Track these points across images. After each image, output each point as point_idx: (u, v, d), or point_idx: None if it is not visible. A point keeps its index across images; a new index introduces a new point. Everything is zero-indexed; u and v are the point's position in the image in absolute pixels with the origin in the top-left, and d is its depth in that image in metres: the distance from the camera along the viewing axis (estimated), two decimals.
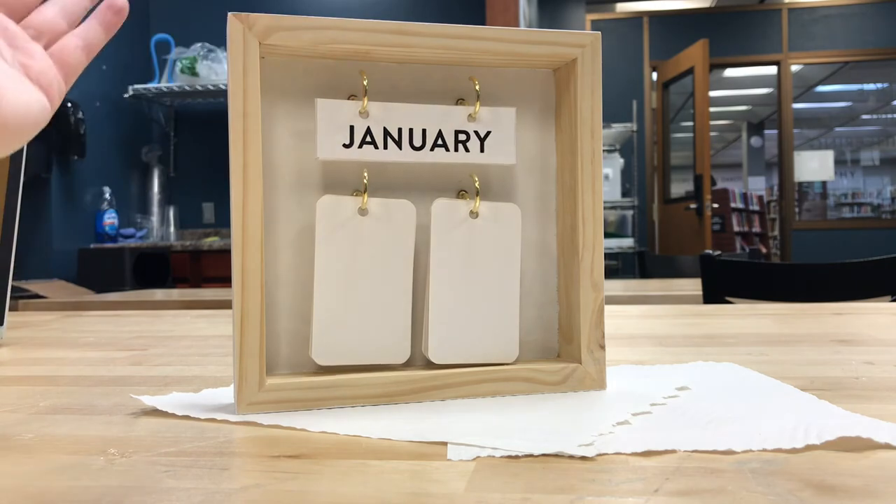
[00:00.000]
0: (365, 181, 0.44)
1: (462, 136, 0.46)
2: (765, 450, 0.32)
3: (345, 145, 0.44)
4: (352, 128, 0.44)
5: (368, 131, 0.44)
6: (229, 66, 0.41)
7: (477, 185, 0.46)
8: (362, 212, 0.44)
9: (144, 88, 3.98)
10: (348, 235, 0.44)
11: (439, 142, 0.45)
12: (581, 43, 0.46)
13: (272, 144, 0.44)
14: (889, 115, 9.30)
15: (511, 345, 0.46)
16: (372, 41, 0.43)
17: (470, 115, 0.46)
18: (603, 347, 0.47)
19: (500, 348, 0.46)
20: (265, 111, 0.44)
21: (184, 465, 0.32)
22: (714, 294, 1.55)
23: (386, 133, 0.44)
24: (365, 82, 0.44)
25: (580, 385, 0.46)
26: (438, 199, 0.45)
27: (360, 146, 0.44)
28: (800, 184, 6.91)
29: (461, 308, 0.45)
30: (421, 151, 0.45)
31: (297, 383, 0.42)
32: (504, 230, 0.46)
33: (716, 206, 7.19)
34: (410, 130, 0.45)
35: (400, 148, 0.45)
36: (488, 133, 0.46)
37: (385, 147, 0.44)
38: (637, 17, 6.36)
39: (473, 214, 0.45)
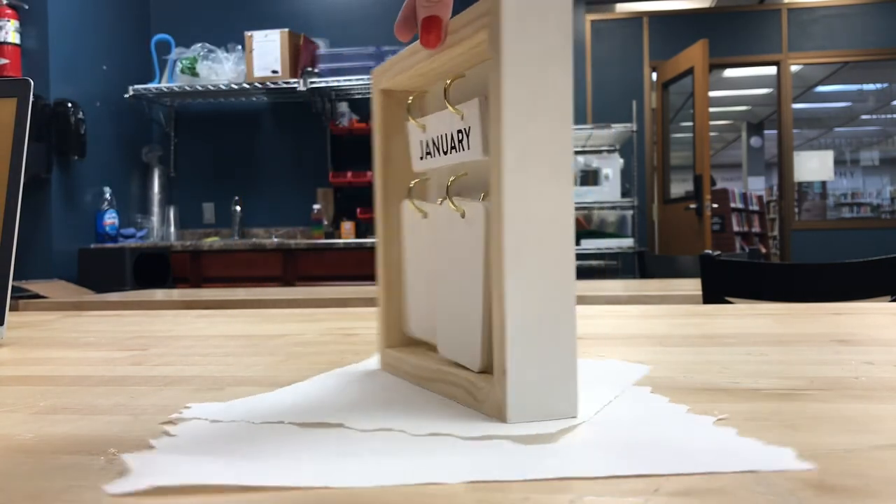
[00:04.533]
0: (411, 186, 0.52)
1: (459, 136, 0.45)
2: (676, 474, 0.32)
3: (420, 158, 0.51)
4: (421, 143, 0.50)
5: (425, 144, 0.50)
6: (376, 112, 0.54)
7: (449, 183, 0.46)
8: (423, 214, 0.50)
9: (144, 88, 3.98)
10: (414, 235, 0.52)
11: (453, 144, 0.46)
12: (484, 11, 0.40)
13: (396, 162, 0.54)
14: (889, 116, 9.30)
15: (474, 351, 0.43)
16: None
17: (462, 115, 0.45)
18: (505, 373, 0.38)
19: (467, 353, 0.44)
20: (394, 138, 0.54)
21: None
22: (714, 294, 1.55)
23: (431, 143, 0.49)
24: (409, 100, 0.51)
25: (494, 411, 0.39)
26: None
27: (422, 158, 0.50)
28: (799, 184, 6.92)
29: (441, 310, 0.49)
30: (448, 156, 0.47)
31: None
32: (473, 231, 0.44)
33: (715, 206, 7.19)
34: (440, 137, 0.48)
35: (441, 154, 0.48)
36: (469, 129, 0.45)
37: (431, 155, 0.49)
38: (637, 18, 6.36)
39: (454, 215, 0.45)
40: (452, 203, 0.45)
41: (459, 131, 0.45)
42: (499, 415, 0.38)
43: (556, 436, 0.34)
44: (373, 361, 0.58)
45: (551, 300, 0.37)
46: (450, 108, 0.45)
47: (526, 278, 0.37)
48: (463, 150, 0.45)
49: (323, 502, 0.27)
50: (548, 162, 0.37)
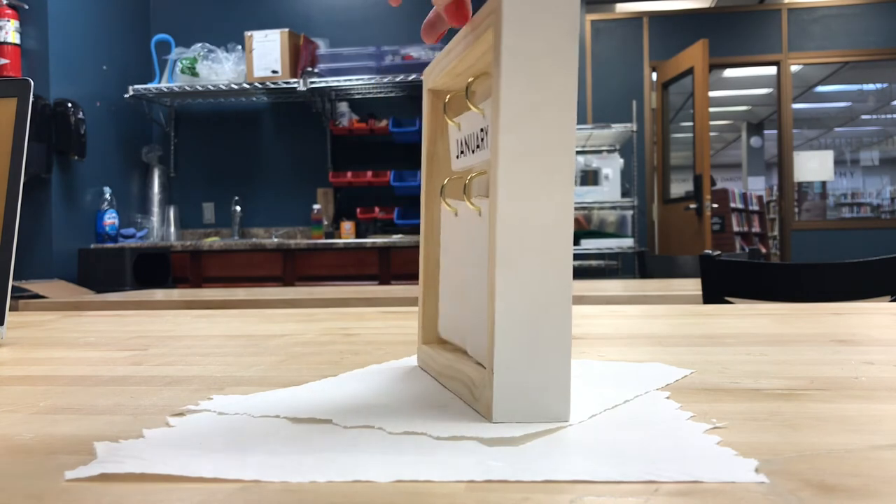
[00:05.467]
0: (444, 184, 0.52)
1: (482, 135, 0.45)
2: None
3: (456, 157, 0.50)
4: (457, 141, 0.50)
5: (460, 143, 0.50)
6: (424, 110, 0.54)
7: (467, 181, 0.46)
8: (455, 212, 0.50)
9: (144, 88, 3.98)
10: (448, 234, 0.52)
11: (478, 143, 0.45)
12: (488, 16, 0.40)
13: (441, 162, 0.54)
14: (888, 115, 9.30)
15: (485, 351, 0.43)
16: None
17: (483, 113, 0.45)
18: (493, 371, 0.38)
19: (483, 353, 0.43)
20: (439, 137, 0.54)
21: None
22: (714, 294, 1.55)
23: (464, 142, 0.49)
24: (447, 99, 0.51)
25: (485, 410, 0.38)
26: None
27: (458, 157, 0.50)
28: (799, 184, 6.92)
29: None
30: (475, 154, 0.46)
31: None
32: (486, 229, 0.44)
33: (715, 206, 7.19)
34: (470, 136, 0.47)
35: (471, 153, 0.47)
36: (487, 127, 0.45)
37: (465, 154, 0.48)
38: (637, 18, 6.36)
39: (473, 213, 0.45)
40: (469, 201, 0.45)
41: (482, 129, 0.45)
42: (488, 414, 0.37)
43: (520, 439, 0.34)
44: (413, 358, 0.59)
45: (544, 302, 0.37)
46: (471, 106, 0.45)
47: (517, 278, 0.37)
48: (484, 148, 0.44)
49: (305, 498, 0.27)
50: (547, 163, 0.37)
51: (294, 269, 3.68)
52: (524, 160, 0.37)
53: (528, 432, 0.35)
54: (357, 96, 4.16)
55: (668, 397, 0.43)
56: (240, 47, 4.01)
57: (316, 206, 4.04)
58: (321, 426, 0.38)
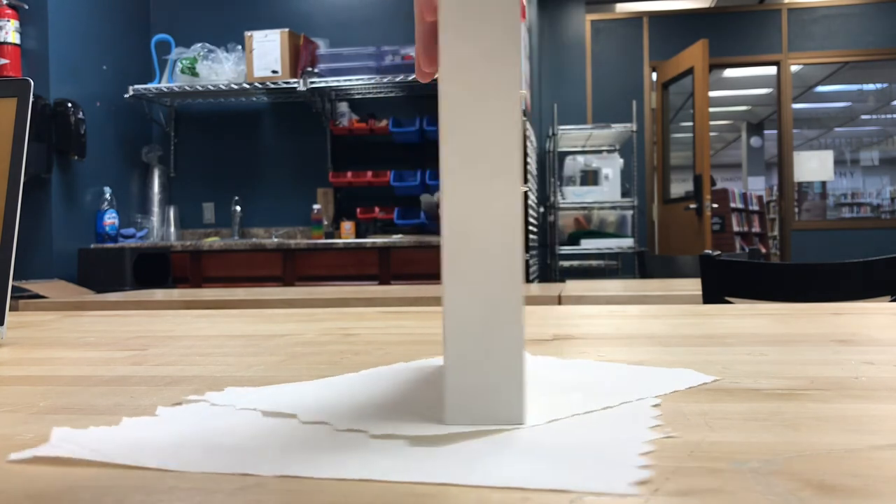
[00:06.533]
0: None
1: None
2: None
3: None
4: None
5: None
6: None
7: None
8: None
9: (144, 88, 3.98)
10: None
11: None
12: None
13: None
14: (888, 115, 9.31)
15: None
16: None
17: None
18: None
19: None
20: None
21: None
22: (714, 294, 1.55)
23: None
24: None
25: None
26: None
27: None
28: (799, 184, 6.92)
29: None
30: None
31: None
32: None
33: (715, 206, 7.19)
34: None
35: None
36: None
37: None
38: (637, 18, 6.36)
39: None
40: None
41: None
42: (442, 416, 0.38)
43: (442, 439, 0.34)
44: (440, 359, 0.58)
45: (494, 304, 0.37)
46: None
47: (465, 280, 0.37)
48: None
49: (305, 498, 0.27)
50: (491, 163, 0.37)
51: (294, 269, 3.68)
52: (467, 162, 0.37)
53: (457, 432, 0.35)
54: (357, 96, 4.16)
55: (656, 405, 0.41)
56: (240, 47, 4.01)
57: (316, 206, 4.04)
58: (321, 426, 0.38)
